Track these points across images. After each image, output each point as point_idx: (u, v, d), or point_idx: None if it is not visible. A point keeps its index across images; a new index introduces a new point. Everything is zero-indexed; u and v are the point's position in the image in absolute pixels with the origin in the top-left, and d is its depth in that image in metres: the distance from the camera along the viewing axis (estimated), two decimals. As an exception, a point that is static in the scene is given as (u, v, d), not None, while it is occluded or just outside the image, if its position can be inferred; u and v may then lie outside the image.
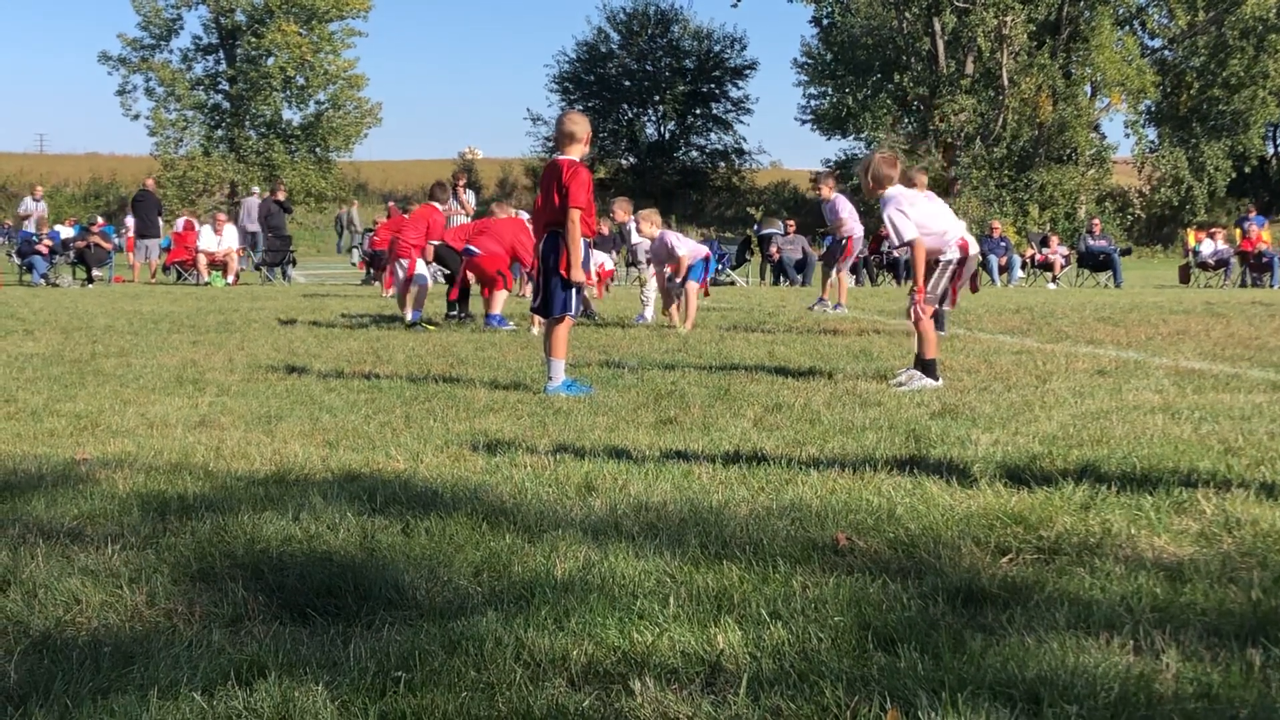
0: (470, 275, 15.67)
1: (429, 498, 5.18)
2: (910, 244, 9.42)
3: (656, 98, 63.47)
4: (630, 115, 64.68)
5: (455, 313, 16.17)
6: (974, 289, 11.37)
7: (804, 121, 64.01)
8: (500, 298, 15.15)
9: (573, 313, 9.28)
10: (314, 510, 4.92)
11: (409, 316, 15.21)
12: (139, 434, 7.18)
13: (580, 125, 9.28)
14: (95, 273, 27.48)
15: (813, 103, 63.99)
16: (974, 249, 9.82)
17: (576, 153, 9.23)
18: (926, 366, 9.25)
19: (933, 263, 9.57)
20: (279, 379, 9.83)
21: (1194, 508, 4.87)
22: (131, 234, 30.44)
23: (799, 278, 29.67)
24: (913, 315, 9.41)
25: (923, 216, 9.54)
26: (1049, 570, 4.05)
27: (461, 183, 29.03)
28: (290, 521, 4.75)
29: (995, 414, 7.56)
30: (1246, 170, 55.98)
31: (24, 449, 6.66)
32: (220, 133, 53.55)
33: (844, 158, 59.44)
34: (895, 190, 9.66)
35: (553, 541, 4.46)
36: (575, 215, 8.98)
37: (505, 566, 4.18)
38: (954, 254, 9.61)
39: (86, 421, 7.63)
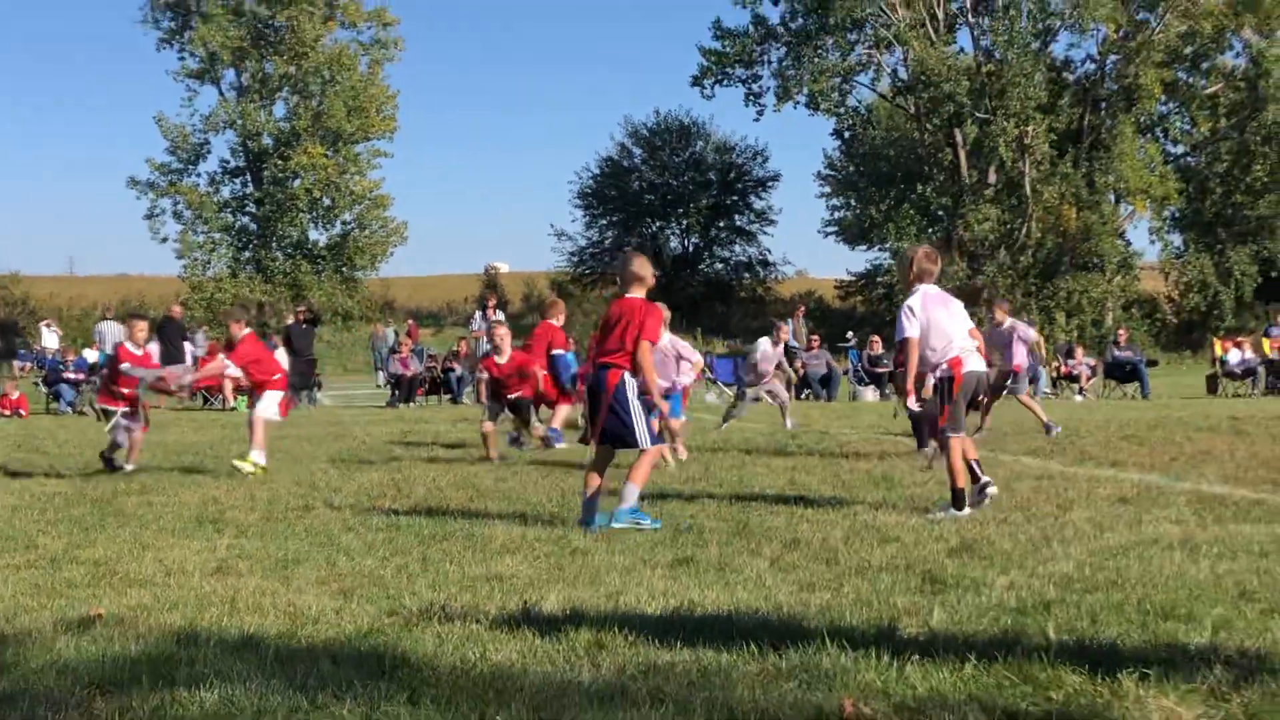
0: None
1: (439, 659, 5.17)
2: (904, 341, 9.58)
3: (680, 210, 63.88)
4: (654, 229, 65.09)
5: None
6: (979, 405, 11.35)
7: (828, 234, 64.44)
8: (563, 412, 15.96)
9: (656, 440, 9.44)
10: (322, 677, 4.91)
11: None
12: (156, 583, 7.19)
13: (648, 269, 9.55)
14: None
15: (836, 214, 64.45)
16: (971, 366, 9.73)
17: (642, 292, 9.43)
18: (955, 496, 9.30)
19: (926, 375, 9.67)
20: (298, 517, 9.85)
21: (1204, 662, 4.82)
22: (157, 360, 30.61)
23: (824, 392, 29.68)
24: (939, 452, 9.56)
25: (929, 324, 9.61)
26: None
27: (492, 303, 29.23)
28: (297, 692, 4.75)
29: (1013, 550, 7.53)
30: (1274, 275, 55.91)
31: (42, 601, 6.68)
32: (247, 254, 54.09)
33: (869, 268, 59.65)
34: (925, 288, 9.75)
35: (557, 712, 4.44)
36: (647, 347, 9.15)
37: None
38: (943, 372, 9.60)
39: (105, 569, 7.65)
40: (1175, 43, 52.46)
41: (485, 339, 26.61)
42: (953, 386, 9.58)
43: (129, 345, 14.49)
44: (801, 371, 30.36)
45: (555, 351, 16.89)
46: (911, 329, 9.55)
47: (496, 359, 14.99)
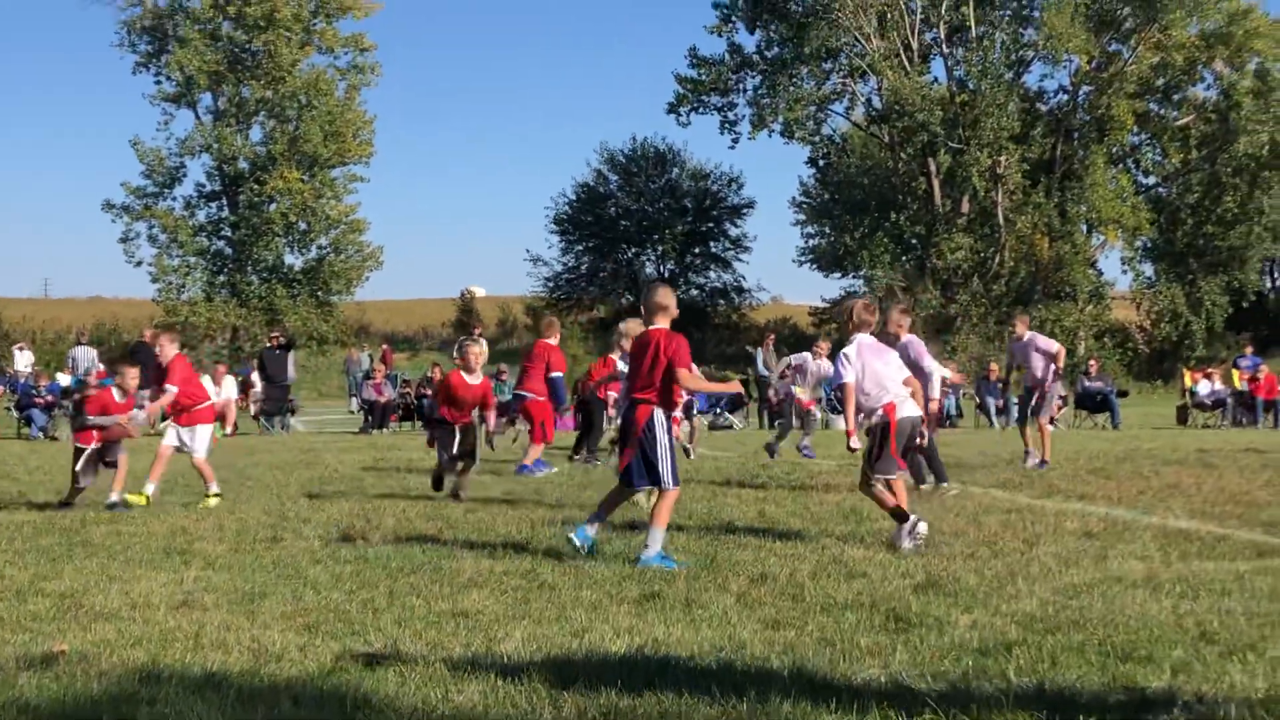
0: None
1: (400, 700, 5.18)
2: (842, 387, 10.02)
3: (656, 237, 63.99)
4: (630, 255, 65.23)
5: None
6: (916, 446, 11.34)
7: (802, 261, 64.69)
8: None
9: (677, 482, 9.30)
10: (283, 718, 4.91)
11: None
12: (121, 616, 7.17)
13: (671, 298, 9.64)
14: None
15: (810, 241, 64.75)
16: (905, 413, 10.06)
17: (666, 322, 9.46)
18: (897, 515, 9.57)
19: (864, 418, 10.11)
20: (266, 549, 9.82)
21: (1162, 707, 4.86)
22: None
23: (798, 423, 29.64)
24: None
25: (865, 371, 10.01)
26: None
27: (477, 331, 29.15)
28: (257, 733, 4.75)
29: (978, 587, 7.57)
30: (1244, 305, 56.30)
31: (5, 635, 6.67)
32: (222, 278, 53.94)
33: (843, 295, 59.82)
34: (861, 337, 10.19)
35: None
36: (684, 374, 9.21)
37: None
38: (879, 418, 9.96)
39: (70, 602, 7.62)
40: (1147, 74, 52.95)
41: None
42: (889, 431, 9.89)
43: (116, 392, 13.22)
44: (774, 399, 30.39)
45: (553, 375, 16.81)
46: (848, 375, 9.97)
47: (467, 378, 13.61)
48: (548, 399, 16.94)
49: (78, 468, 13.07)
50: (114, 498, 12.81)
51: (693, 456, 13.65)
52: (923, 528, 9.38)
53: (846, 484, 14.51)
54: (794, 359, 20.80)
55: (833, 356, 13.15)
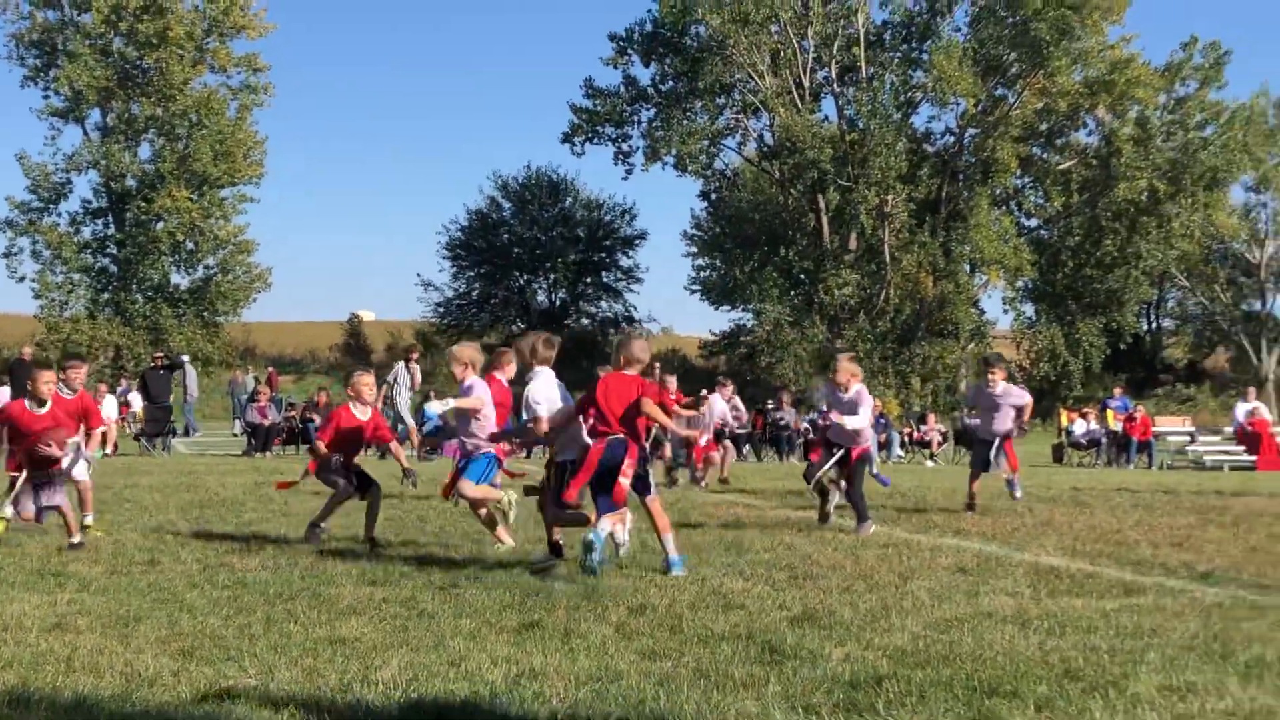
0: None
1: (275, 726, 5.18)
2: (537, 420, 10.46)
3: (548, 265, 64.03)
4: (522, 282, 65.22)
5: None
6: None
7: (693, 291, 65.04)
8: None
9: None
10: (155, 743, 4.90)
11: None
12: (-9, 639, 7.07)
13: (648, 354, 10.51)
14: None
15: (702, 273, 65.10)
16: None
17: (635, 371, 10.21)
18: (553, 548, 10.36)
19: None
20: (143, 572, 9.72)
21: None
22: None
23: (683, 453, 29.77)
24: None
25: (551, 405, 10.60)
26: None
27: (414, 355, 28.90)
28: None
29: (853, 620, 7.70)
30: (1121, 347, 57.50)
31: None
32: (106, 295, 53.08)
33: (733, 328, 60.16)
34: (542, 370, 10.79)
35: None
36: (648, 404, 9.98)
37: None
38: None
39: (-62, 624, 7.51)
40: (1031, 119, 54.05)
41: (400, 389, 26.39)
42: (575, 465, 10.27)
43: (29, 404, 11.58)
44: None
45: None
46: (541, 410, 10.50)
47: (355, 412, 12.42)
48: None
49: (10, 499, 11.78)
50: (88, 519, 12.26)
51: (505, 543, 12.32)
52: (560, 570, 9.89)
53: (730, 517, 14.66)
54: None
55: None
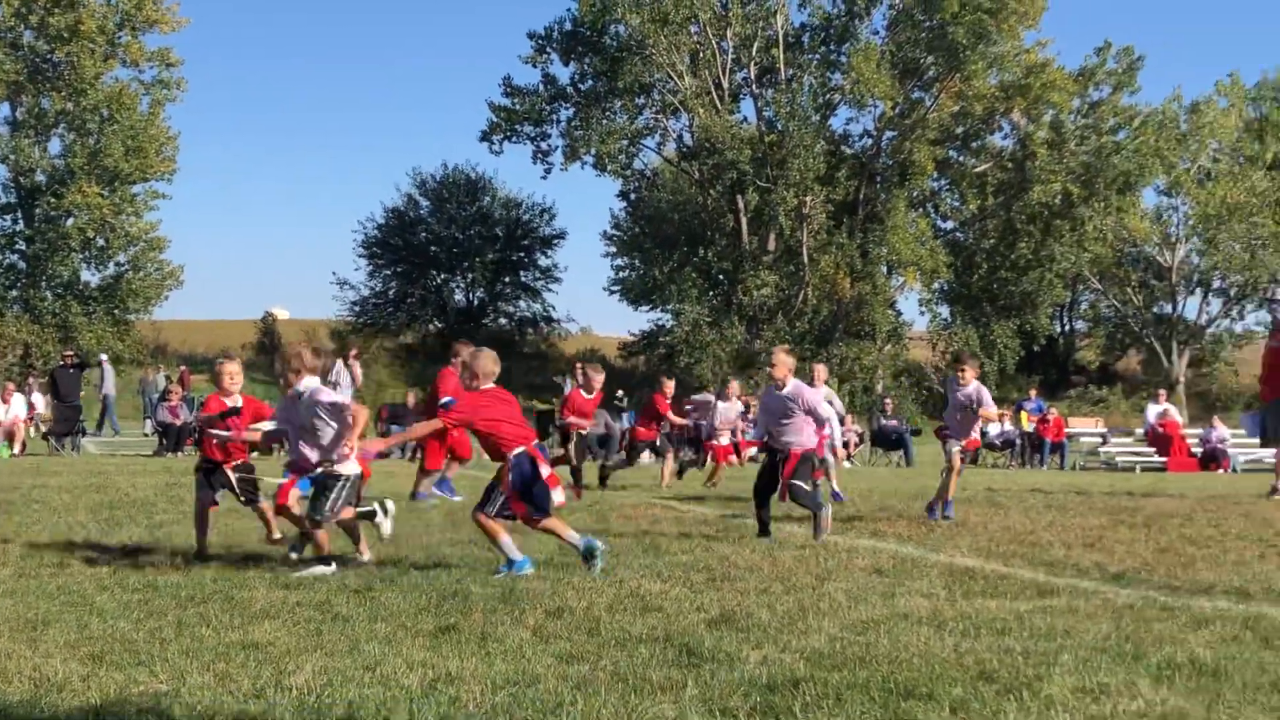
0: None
1: (185, 733, 5.10)
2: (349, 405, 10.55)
3: (465, 264, 63.83)
4: (439, 281, 64.95)
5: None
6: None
7: (613, 292, 65.04)
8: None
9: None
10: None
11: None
12: (-108, 646, 6.91)
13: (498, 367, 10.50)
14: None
15: (621, 274, 65.12)
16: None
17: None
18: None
19: None
20: (51, 575, 9.55)
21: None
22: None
23: (602, 452, 29.80)
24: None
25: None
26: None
27: (354, 351, 28.63)
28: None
29: (770, 622, 7.70)
30: (1035, 349, 58.25)
31: None
32: (15, 293, 52.24)
33: (652, 328, 60.20)
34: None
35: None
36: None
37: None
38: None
39: None
40: (948, 122, 54.65)
41: (342, 390, 26.00)
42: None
43: None
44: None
45: (444, 400, 15.48)
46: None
47: (225, 402, 11.35)
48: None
49: None
50: None
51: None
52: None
53: (647, 517, 14.64)
54: (697, 399, 21.46)
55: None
